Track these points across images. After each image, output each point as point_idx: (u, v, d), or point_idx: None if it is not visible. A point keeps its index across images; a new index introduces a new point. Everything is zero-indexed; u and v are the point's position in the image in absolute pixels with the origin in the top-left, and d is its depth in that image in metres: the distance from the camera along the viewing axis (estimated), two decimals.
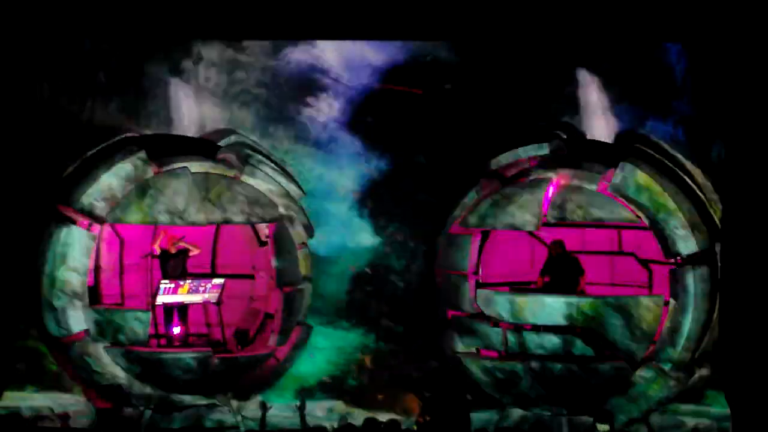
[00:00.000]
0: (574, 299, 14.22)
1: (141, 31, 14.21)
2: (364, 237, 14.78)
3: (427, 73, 14.55)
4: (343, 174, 14.75)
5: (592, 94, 14.47)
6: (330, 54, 14.61)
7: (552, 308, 14.19)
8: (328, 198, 14.82)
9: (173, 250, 14.92)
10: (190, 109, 14.63)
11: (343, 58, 14.64)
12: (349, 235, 14.81)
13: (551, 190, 14.47)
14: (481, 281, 14.85)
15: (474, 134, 14.60)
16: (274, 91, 14.65)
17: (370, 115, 14.65)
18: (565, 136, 14.58)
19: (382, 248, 14.83)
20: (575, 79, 14.47)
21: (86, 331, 14.36)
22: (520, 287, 14.98)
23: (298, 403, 12.48)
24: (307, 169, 14.81)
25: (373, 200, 14.80)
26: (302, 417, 12.06)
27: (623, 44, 14.35)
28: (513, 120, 14.57)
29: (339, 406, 14.53)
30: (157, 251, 14.96)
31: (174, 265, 14.96)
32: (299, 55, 14.61)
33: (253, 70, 14.63)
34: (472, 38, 14.37)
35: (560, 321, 14.18)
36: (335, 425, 13.12)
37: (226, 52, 14.59)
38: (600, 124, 14.53)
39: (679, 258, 14.21)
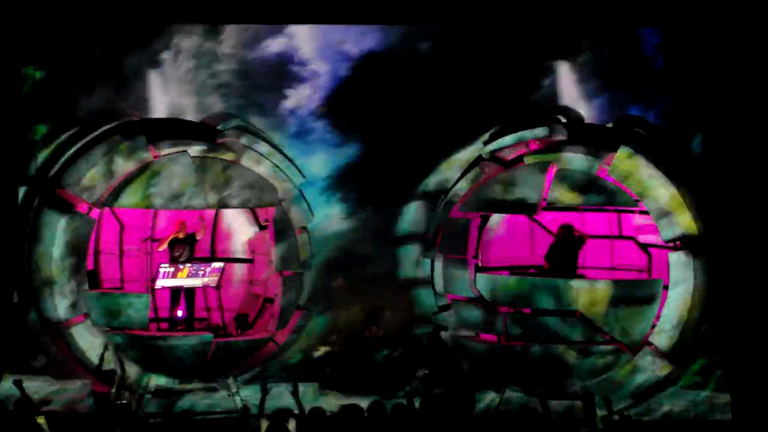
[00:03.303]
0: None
1: (119, 19, 14.31)
2: (335, 222, 14.76)
3: (403, 61, 14.52)
4: (317, 161, 14.71)
5: (571, 85, 14.45)
6: (304, 43, 14.58)
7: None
8: (303, 185, 14.77)
9: (182, 236, 14.92)
10: (167, 100, 14.61)
11: (317, 47, 14.61)
12: (321, 221, 14.78)
13: (551, 173, 14.45)
14: (480, 265, 14.87)
15: (448, 121, 14.58)
16: (249, 80, 14.63)
17: (347, 103, 14.62)
18: (564, 120, 14.55)
19: (352, 234, 14.79)
20: (554, 71, 14.45)
21: (85, 315, 14.39)
22: (520, 271, 14.98)
23: (291, 388, 12.54)
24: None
25: (346, 186, 14.75)
26: (297, 400, 12.10)
27: (602, 34, 14.36)
28: (490, 109, 14.57)
29: (310, 390, 14.53)
30: (164, 247, 14.97)
31: (181, 249, 14.95)
32: (274, 44, 14.59)
33: (228, 60, 14.61)
34: (451, 26, 14.37)
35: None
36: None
37: (203, 44, 14.58)
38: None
39: (678, 242, 14.20)
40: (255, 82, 14.61)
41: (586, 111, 14.49)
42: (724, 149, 14.01)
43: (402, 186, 14.65)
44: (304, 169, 14.68)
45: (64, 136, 14.44)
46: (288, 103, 14.65)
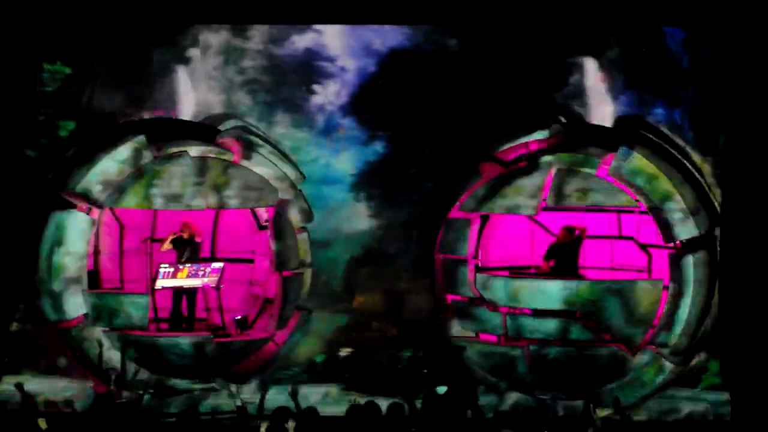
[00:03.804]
0: (572, 284, 14.20)
1: (146, 17, 14.25)
2: (361, 221, 14.74)
3: (430, 58, 14.51)
4: (343, 158, 14.71)
5: (597, 83, 14.43)
6: (332, 40, 14.59)
7: (550, 293, 14.21)
8: (326, 182, 14.76)
9: (185, 236, 14.90)
10: (194, 97, 14.61)
11: (345, 44, 14.61)
12: (346, 219, 14.77)
13: (551, 174, 14.43)
14: (480, 265, 14.85)
15: (475, 120, 14.55)
16: (277, 77, 14.62)
17: (372, 101, 14.62)
18: (564, 120, 14.54)
19: (378, 232, 14.78)
20: (580, 67, 14.44)
21: (85, 315, 14.40)
22: (519, 272, 14.97)
23: (289, 390, 12.56)
24: (310, 155, 14.77)
25: (371, 185, 14.75)
26: (296, 403, 12.08)
27: (628, 31, 14.38)
28: (515, 107, 14.54)
29: (333, 391, 14.53)
30: (166, 248, 14.95)
31: (185, 250, 14.94)
32: (302, 41, 14.59)
33: (256, 57, 14.61)
34: (475, 25, 14.37)
35: (558, 305, 14.17)
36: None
37: (231, 40, 14.58)
38: (605, 113, 14.49)
39: (678, 242, 14.20)
40: (283, 78, 14.61)
41: (611, 108, 14.44)
42: (749, 148, 13.97)
43: (428, 184, 14.65)
44: (330, 166, 14.68)
45: (71, 135, 14.48)
46: (316, 100, 14.67)
